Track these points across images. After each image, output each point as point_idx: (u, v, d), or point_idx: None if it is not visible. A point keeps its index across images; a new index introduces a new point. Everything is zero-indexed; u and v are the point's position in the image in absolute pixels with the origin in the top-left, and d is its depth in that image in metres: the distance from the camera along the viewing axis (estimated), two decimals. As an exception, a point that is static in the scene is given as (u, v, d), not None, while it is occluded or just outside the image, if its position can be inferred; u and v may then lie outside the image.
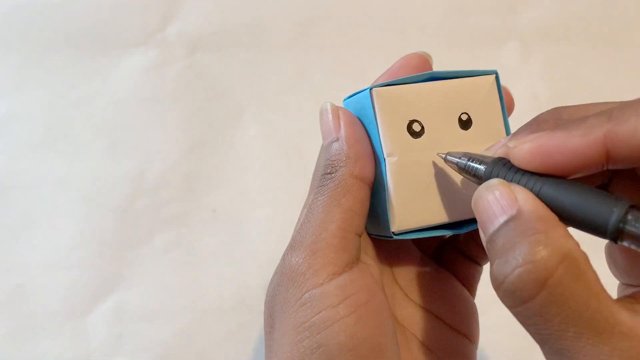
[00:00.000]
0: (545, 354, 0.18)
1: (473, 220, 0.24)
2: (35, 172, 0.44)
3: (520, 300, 0.17)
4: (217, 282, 0.42)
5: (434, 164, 0.23)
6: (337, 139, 0.23)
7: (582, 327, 0.16)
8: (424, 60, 0.25)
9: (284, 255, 0.22)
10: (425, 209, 0.23)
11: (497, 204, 0.18)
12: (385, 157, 0.23)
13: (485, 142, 0.23)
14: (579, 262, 0.17)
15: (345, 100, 0.25)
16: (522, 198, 0.18)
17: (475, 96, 0.24)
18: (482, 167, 0.21)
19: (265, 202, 0.44)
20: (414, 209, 0.23)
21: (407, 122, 0.23)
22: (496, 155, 0.21)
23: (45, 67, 0.47)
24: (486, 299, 0.43)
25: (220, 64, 0.48)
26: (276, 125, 0.46)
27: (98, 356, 0.40)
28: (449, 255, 0.28)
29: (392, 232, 0.23)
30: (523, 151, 0.19)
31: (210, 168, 0.45)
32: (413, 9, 0.50)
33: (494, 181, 0.19)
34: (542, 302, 0.17)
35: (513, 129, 0.23)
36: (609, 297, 0.17)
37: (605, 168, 0.18)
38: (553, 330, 0.17)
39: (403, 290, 0.26)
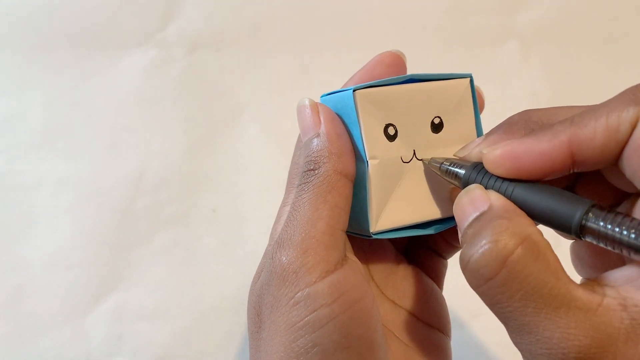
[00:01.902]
0: (510, 333, 0.19)
1: (447, 220, 0.25)
2: (35, 172, 0.44)
3: (483, 278, 0.18)
4: (217, 282, 0.42)
5: (407, 167, 0.24)
6: (318, 135, 0.23)
7: (540, 303, 0.17)
8: (398, 58, 0.26)
9: (271, 253, 0.22)
10: (401, 210, 0.24)
11: (473, 204, 0.20)
12: (367, 159, 0.23)
13: (455, 145, 0.24)
14: (538, 245, 0.18)
15: (322, 97, 0.25)
16: (494, 197, 0.20)
17: (450, 99, 0.25)
18: (462, 171, 0.22)
19: (265, 202, 0.44)
20: (390, 210, 0.24)
21: (384, 126, 0.24)
22: (472, 159, 0.22)
23: (45, 67, 0.47)
24: (486, 299, 0.43)
25: (220, 64, 0.48)
26: (276, 125, 0.46)
27: (98, 356, 0.40)
28: (417, 250, 0.28)
29: (372, 232, 0.23)
30: (495, 156, 0.20)
31: (210, 168, 0.45)
32: (413, 9, 0.50)
33: (472, 186, 0.21)
34: (503, 279, 0.18)
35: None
36: (567, 276, 0.18)
37: (571, 171, 0.20)
38: (515, 306, 0.18)
39: (379, 288, 0.26)
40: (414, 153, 0.24)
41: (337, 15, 0.50)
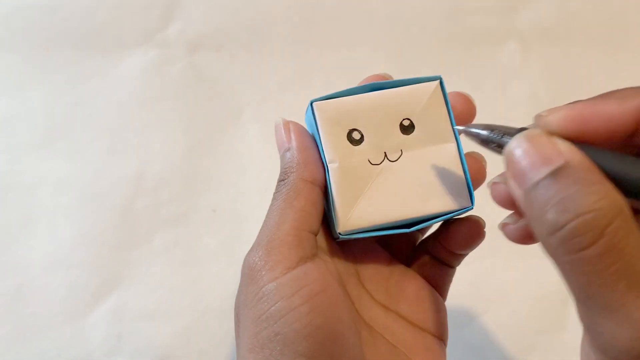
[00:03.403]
0: (585, 312, 0.18)
1: (419, 221, 0.25)
2: (36, 172, 0.44)
3: (579, 246, 0.17)
4: (217, 282, 0.42)
5: (378, 168, 0.25)
6: (289, 149, 0.25)
7: (634, 280, 0.16)
8: (384, 79, 0.26)
9: (245, 257, 0.24)
10: (369, 210, 0.25)
11: (541, 153, 0.18)
12: (327, 163, 0.25)
13: (430, 145, 0.25)
14: (629, 218, 0.17)
15: (305, 116, 0.27)
16: (568, 150, 0.18)
17: (418, 102, 0.25)
18: (507, 140, 0.20)
19: (265, 202, 0.44)
20: (359, 210, 0.25)
21: (347, 131, 0.25)
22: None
23: (45, 67, 0.47)
24: (486, 299, 0.43)
25: (220, 64, 0.48)
26: (276, 125, 0.46)
27: (98, 356, 0.40)
28: (419, 257, 0.29)
29: (338, 233, 0.24)
30: (558, 117, 0.19)
31: (210, 168, 0.45)
32: (413, 9, 0.50)
33: (535, 131, 0.19)
34: (600, 250, 0.16)
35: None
36: None
37: (634, 140, 0.19)
38: (605, 280, 0.16)
39: (369, 292, 0.27)
40: (385, 155, 0.25)
41: (337, 15, 0.50)
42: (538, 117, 0.20)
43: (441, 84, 0.26)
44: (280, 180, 0.25)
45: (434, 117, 0.25)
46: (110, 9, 0.49)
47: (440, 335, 0.27)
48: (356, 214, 0.25)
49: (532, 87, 0.49)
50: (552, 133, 0.19)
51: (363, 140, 0.25)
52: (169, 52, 0.48)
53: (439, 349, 0.27)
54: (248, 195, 0.45)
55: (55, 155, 0.45)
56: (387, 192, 0.25)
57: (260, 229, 0.24)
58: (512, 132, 0.20)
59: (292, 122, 0.26)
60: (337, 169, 0.25)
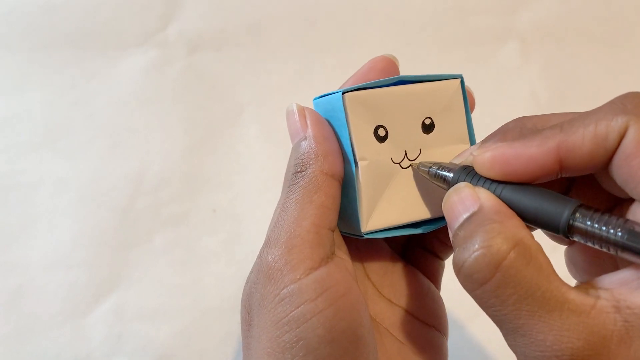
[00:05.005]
0: (505, 336, 0.19)
1: (437, 220, 0.25)
2: (35, 172, 0.44)
3: (477, 282, 0.19)
4: (217, 282, 0.42)
5: (398, 167, 0.25)
6: (305, 138, 0.23)
7: (534, 306, 0.18)
8: (391, 62, 0.26)
9: (260, 253, 0.23)
10: (392, 209, 0.24)
11: (462, 203, 0.21)
12: (357, 160, 0.24)
13: (447, 145, 0.25)
14: (530, 248, 0.18)
15: (315, 100, 0.26)
16: (484, 197, 0.20)
17: (440, 100, 0.25)
18: (450, 175, 0.22)
19: (265, 202, 0.44)
20: (382, 210, 0.24)
21: (374, 127, 0.24)
22: (463, 164, 0.22)
23: (45, 67, 0.47)
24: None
25: (220, 64, 0.48)
26: (276, 125, 0.46)
27: (98, 356, 0.40)
28: (414, 251, 0.29)
29: (363, 232, 0.24)
30: (485, 159, 0.21)
31: (210, 168, 0.45)
32: (413, 9, 0.50)
33: (461, 184, 0.21)
34: (497, 283, 0.18)
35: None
36: (559, 279, 0.18)
37: (559, 176, 0.20)
38: (509, 310, 0.18)
39: (375, 287, 0.27)
40: (405, 154, 0.25)
41: (337, 15, 0.50)
42: (471, 156, 0.21)
43: (462, 83, 0.25)
44: (296, 172, 0.23)
45: (452, 117, 0.25)
46: (110, 9, 0.49)
47: (442, 329, 0.27)
48: (378, 213, 0.24)
49: (532, 87, 0.49)
50: (483, 175, 0.21)
51: (387, 137, 0.24)
52: (169, 52, 0.48)
53: (442, 343, 0.27)
54: (248, 195, 0.45)
55: (55, 155, 0.45)
56: (406, 192, 0.25)
57: (276, 223, 0.23)
58: (455, 168, 0.22)
59: (307, 108, 0.24)
60: (367, 166, 0.24)
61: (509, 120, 0.23)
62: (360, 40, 0.49)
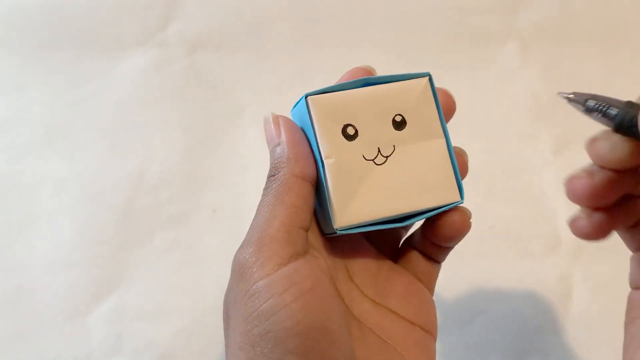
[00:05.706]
0: None
1: (415, 214, 0.26)
2: (35, 172, 0.44)
3: None
4: (217, 282, 0.42)
5: (372, 164, 0.25)
6: (279, 144, 0.25)
7: None
8: (369, 72, 0.27)
9: (235, 254, 0.23)
10: (365, 206, 0.25)
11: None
12: (323, 159, 0.24)
13: (421, 141, 0.26)
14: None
15: (291, 110, 0.27)
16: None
17: (409, 98, 0.26)
18: (612, 112, 0.21)
19: (265, 202, 0.44)
20: (354, 206, 0.25)
21: (342, 126, 0.25)
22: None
23: (45, 67, 0.47)
24: (486, 299, 0.43)
25: (220, 64, 0.48)
26: (276, 125, 0.46)
27: (98, 356, 0.40)
28: (406, 253, 0.29)
29: (336, 228, 0.25)
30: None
31: (210, 168, 0.45)
32: (413, 9, 0.50)
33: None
34: None
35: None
36: None
37: None
38: None
39: (359, 288, 0.27)
40: (379, 150, 0.25)
41: (337, 15, 0.50)
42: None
43: (430, 80, 0.26)
44: (270, 176, 0.24)
45: (424, 113, 0.26)
46: (110, 9, 0.49)
47: (431, 330, 0.27)
48: (352, 210, 0.25)
49: (532, 87, 0.49)
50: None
51: (357, 135, 0.25)
52: (169, 52, 0.48)
53: (429, 343, 0.27)
54: (248, 195, 0.45)
55: (55, 155, 0.45)
56: (381, 188, 0.25)
57: (250, 226, 0.24)
58: (616, 104, 0.21)
59: (281, 116, 0.25)
60: (334, 164, 0.25)
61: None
62: (360, 40, 0.49)
